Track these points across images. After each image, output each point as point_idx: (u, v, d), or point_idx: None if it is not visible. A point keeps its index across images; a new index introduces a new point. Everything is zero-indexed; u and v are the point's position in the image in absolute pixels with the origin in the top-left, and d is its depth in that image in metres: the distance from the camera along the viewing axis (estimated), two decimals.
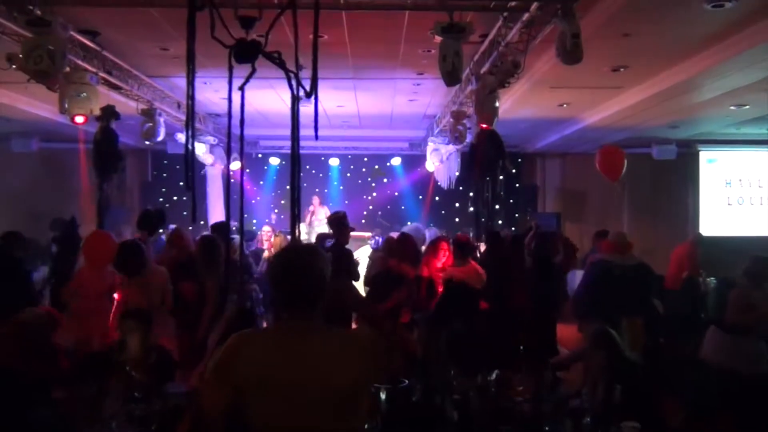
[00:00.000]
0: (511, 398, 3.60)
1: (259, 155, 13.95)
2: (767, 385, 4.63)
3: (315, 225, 12.26)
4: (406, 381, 3.59)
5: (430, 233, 9.41)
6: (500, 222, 12.29)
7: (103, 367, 3.46)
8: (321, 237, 8.47)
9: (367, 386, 2.13)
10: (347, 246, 6.98)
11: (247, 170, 13.82)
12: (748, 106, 9.00)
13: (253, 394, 2.00)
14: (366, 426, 2.20)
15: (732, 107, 9.05)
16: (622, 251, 5.73)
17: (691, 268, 8.62)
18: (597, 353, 3.74)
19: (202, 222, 12.44)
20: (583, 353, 3.89)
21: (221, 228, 7.33)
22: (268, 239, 9.31)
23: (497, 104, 5.97)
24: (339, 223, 6.98)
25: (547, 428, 3.22)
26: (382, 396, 3.48)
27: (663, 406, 3.92)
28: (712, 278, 8.69)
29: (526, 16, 4.88)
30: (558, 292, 6.27)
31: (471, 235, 10.10)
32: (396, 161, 14.13)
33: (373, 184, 14.31)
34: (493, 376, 3.79)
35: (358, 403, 2.08)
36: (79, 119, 6.28)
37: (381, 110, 10.60)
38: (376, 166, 14.32)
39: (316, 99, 4.52)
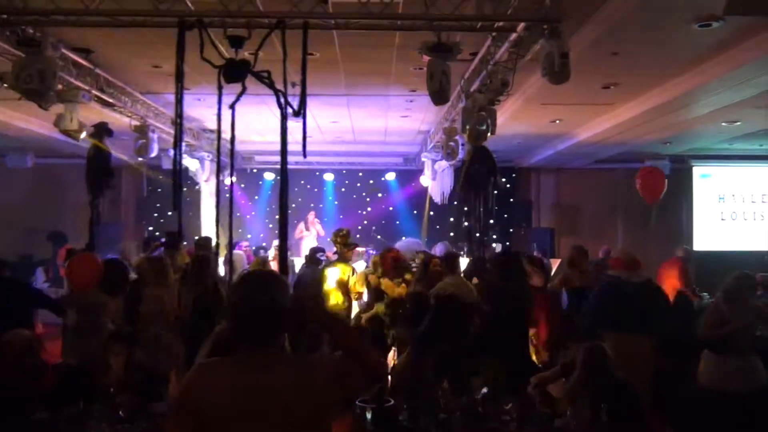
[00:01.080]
0: (497, 418, 3.60)
1: (254, 170, 13.99)
2: (757, 403, 4.64)
3: (304, 241, 12.30)
4: (392, 401, 3.59)
5: (439, 248, 9.33)
6: (494, 237, 12.32)
7: (87, 388, 3.45)
8: (315, 251, 8.44)
9: (330, 410, 2.11)
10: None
11: (242, 185, 13.84)
12: (739, 122, 9.06)
13: (214, 426, 2.00)
14: None
15: (724, 123, 9.11)
16: (631, 268, 5.72)
17: (683, 285, 8.59)
18: (584, 372, 3.73)
19: (196, 237, 12.44)
20: (570, 371, 3.89)
21: (205, 243, 7.34)
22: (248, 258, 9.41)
23: (485, 126, 5.99)
24: (343, 241, 7.03)
25: None
26: (368, 416, 3.48)
27: (651, 425, 3.93)
28: (705, 294, 8.68)
29: (513, 35, 4.92)
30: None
31: (465, 250, 10.11)
32: (390, 176, 14.17)
33: (368, 199, 14.34)
34: (480, 395, 3.80)
35: (322, 428, 2.08)
36: (82, 135, 6.29)
37: (375, 126, 10.64)
38: (371, 181, 14.36)
39: (304, 119, 4.58)
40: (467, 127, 5.98)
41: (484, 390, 3.96)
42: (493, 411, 3.66)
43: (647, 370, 5.26)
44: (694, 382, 5.09)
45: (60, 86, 5.81)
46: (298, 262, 9.54)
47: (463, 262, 7.69)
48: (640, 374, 5.06)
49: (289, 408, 2.00)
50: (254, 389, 2.01)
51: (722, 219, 13.13)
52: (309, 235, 12.43)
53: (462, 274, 6.74)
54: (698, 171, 13.17)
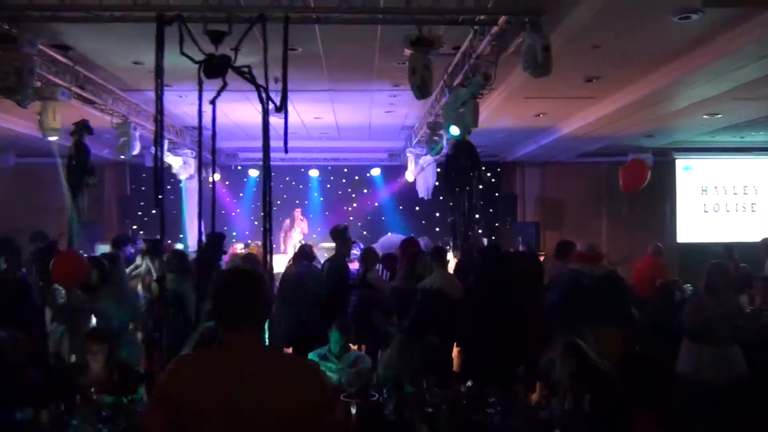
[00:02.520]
0: (482, 410, 3.61)
1: (239, 167, 13.92)
2: (736, 392, 4.69)
3: (291, 238, 12.27)
4: (377, 395, 3.60)
5: (421, 244, 9.28)
6: (480, 231, 12.35)
7: (67, 388, 3.42)
8: (305, 249, 8.29)
9: (312, 415, 2.03)
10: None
11: (227, 182, 13.77)
12: (720, 115, 9.14)
13: (193, 419, 1.98)
14: None
15: (705, 116, 9.18)
16: (591, 261, 5.77)
17: (663, 278, 8.70)
18: (565, 364, 3.75)
19: (181, 236, 12.38)
20: (552, 364, 3.91)
21: (217, 239, 7.19)
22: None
23: (471, 117, 6.00)
24: (341, 236, 7.01)
25: None
26: (353, 410, 3.48)
27: (635, 416, 3.94)
28: (689, 285, 8.76)
29: (495, 29, 4.92)
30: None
31: (450, 245, 10.12)
32: (375, 172, 14.15)
33: (354, 195, 14.33)
34: (464, 388, 3.81)
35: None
36: (53, 138, 6.23)
37: (359, 121, 10.61)
38: (356, 177, 14.34)
39: (285, 114, 4.56)
40: (456, 121, 5.98)
41: (469, 383, 3.98)
42: (478, 403, 3.67)
43: (613, 361, 5.30)
44: (676, 372, 5.15)
45: (38, 83, 5.74)
46: (277, 260, 9.45)
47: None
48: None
49: (268, 404, 1.98)
50: (233, 382, 1.99)
51: (705, 211, 13.26)
52: (295, 231, 12.43)
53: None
54: (681, 164, 13.28)
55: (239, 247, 10.55)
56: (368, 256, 7.12)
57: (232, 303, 2.09)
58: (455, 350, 5.79)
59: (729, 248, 9.27)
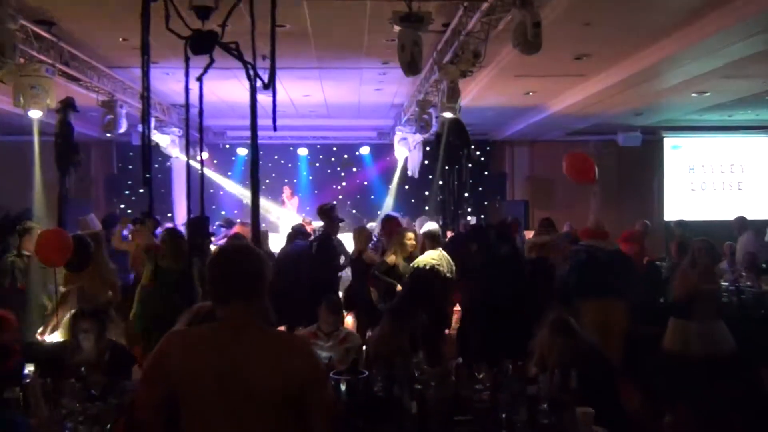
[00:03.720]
0: (470, 387, 3.64)
1: (227, 146, 13.82)
2: (722, 366, 4.75)
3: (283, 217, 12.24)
4: (366, 372, 3.61)
5: (419, 223, 9.19)
6: (469, 210, 12.38)
7: (57, 367, 3.41)
8: (301, 228, 8.23)
9: (302, 392, 2.03)
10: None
11: (215, 161, 13.67)
12: (709, 93, 9.16)
13: (186, 394, 1.99)
14: None
15: (693, 94, 9.21)
16: (602, 237, 5.84)
17: (638, 256, 8.77)
18: (554, 340, 3.78)
19: (168, 215, 12.31)
20: (540, 340, 3.93)
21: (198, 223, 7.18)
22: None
23: (459, 95, 5.98)
24: (329, 214, 6.99)
25: (503, 416, 3.25)
26: (342, 387, 3.50)
27: (622, 391, 4.00)
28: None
29: (485, 5, 4.88)
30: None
31: (440, 223, 10.13)
32: (365, 150, 14.10)
33: (343, 174, 14.27)
34: (453, 364, 3.84)
35: (293, 411, 2.02)
36: (35, 114, 6.14)
37: (348, 99, 10.55)
38: (345, 156, 14.28)
39: (274, 91, 4.50)
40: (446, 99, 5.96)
41: (459, 359, 4.00)
42: (467, 380, 3.70)
43: (622, 333, 5.40)
44: (661, 348, 5.21)
45: (21, 60, 5.64)
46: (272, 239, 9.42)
47: None
48: (616, 338, 5.20)
49: (256, 378, 1.99)
50: (224, 356, 2.00)
51: (692, 189, 13.36)
52: (291, 209, 12.38)
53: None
54: (669, 142, 13.34)
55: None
56: (361, 236, 7.11)
57: (224, 278, 2.08)
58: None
59: (681, 224, 9.37)
